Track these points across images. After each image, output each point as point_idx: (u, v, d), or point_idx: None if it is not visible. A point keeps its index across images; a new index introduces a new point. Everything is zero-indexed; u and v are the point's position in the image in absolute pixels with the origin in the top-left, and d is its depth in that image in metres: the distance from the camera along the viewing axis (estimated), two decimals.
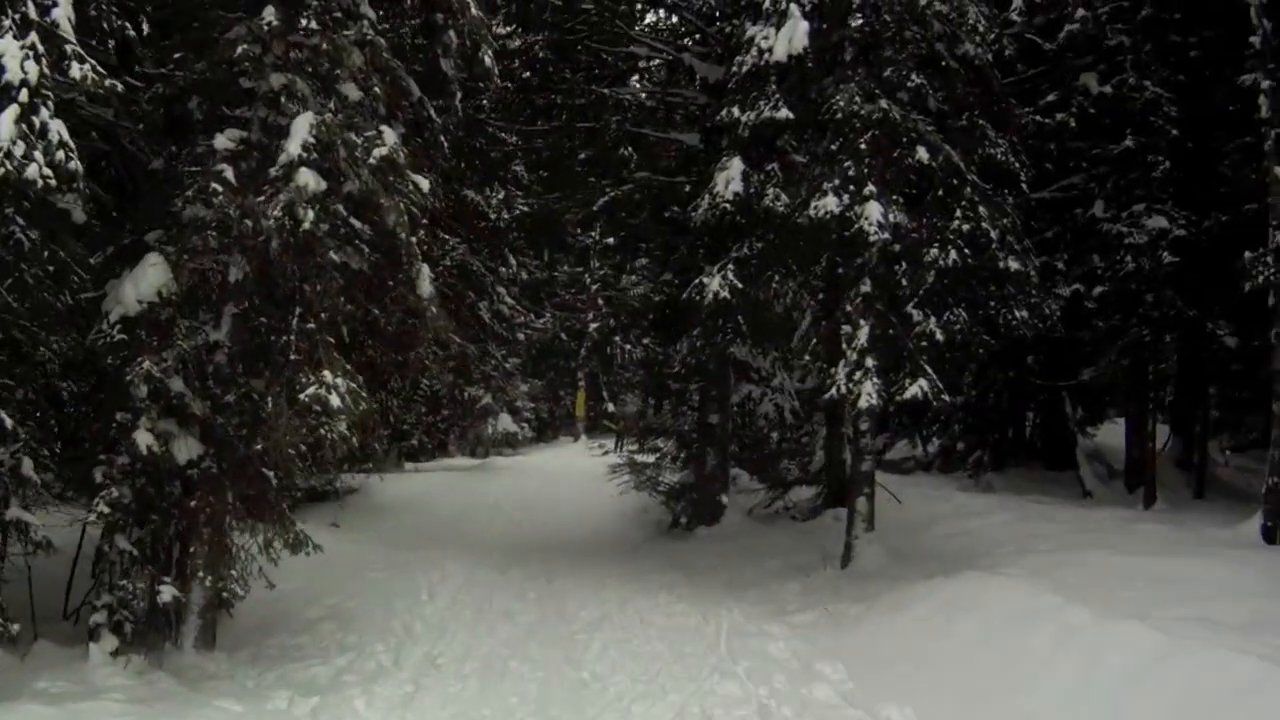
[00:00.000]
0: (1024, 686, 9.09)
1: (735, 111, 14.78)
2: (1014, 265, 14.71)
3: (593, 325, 44.19)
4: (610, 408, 44.85)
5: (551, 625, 12.92)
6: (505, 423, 37.32)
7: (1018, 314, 14.99)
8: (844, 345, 14.11)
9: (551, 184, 20.95)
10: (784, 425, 23.95)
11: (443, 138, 12.97)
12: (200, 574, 10.33)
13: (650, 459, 21.06)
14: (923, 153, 14.41)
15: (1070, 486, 22.52)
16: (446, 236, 29.27)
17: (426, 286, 11.09)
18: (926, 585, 12.56)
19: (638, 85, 21.75)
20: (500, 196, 24.63)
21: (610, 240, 26.35)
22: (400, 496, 24.11)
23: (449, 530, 20.72)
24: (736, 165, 14.95)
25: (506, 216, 25.26)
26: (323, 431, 9.80)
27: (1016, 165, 15.60)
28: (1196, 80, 19.49)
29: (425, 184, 10.87)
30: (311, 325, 9.90)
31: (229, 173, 9.74)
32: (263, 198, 9.64)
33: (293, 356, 9.83)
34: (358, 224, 10.47)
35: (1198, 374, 21.41)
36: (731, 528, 19.04)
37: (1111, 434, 25.48)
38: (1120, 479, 22.48)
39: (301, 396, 9.60)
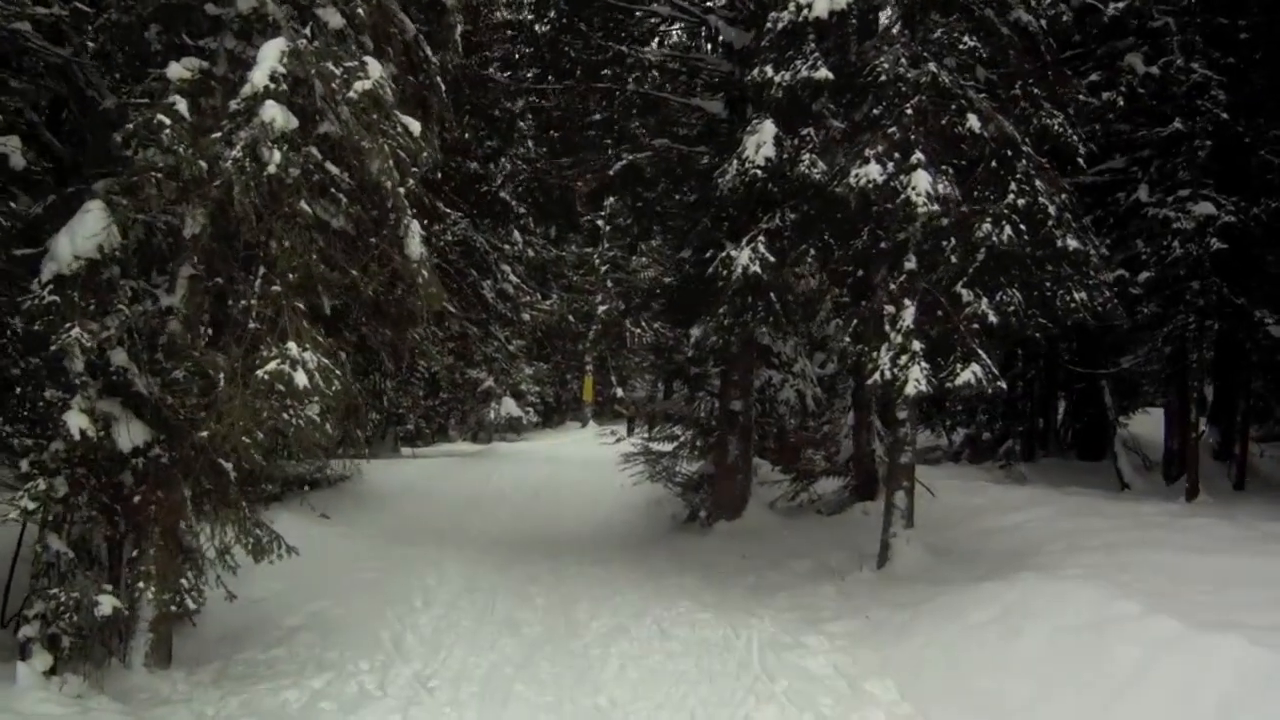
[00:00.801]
0: (1111, 711, 7.78)
1: (769, 71, 13.16)
2: (1073, 244, 13.06)
3: (601, 308, 42.46)
4: (619, 393, 43.13)
5: (560, 638, 11.26)
6: (509, 407, 35.70)
7: (1076, 296, 13.29)
8: (886, 326, 12.47)
9: (562, 148, 18.99)
10: (805, 413, 22.43)
11: (440, 80, 11.12)
12: (146, 582, 8.61)
13: (666, 447, 19.32)
14: (974, 121, 12.84)
15: (1105, 478, 21.36)
16: (448, 210, 27.75)
17: (417, 247, 9.38)
18: (978, 589, 11.20)
19: (658, 48, 19.89)
20: (506, 169, 22.84)
21: (623, 217, 24.16)
22: (396, 484, 22.43)
23: (449, 522, 19.08)
24: (769, 129, 13.29)
25: (512, 187, 23.37)
26: (286, 416, 8.05)
27: (1074, 139, 13.94)
28: (1245, 63, 18.67)
29: (416, 126, 9.17)
30: (277, 288, 8.16)
31: (182, 105, 8.00)
32: (220, 134, 7.90)
33: (252, 325, 8.09)
34: (335, 170, 8.76)
35: (1239, 363, 20.26)
36: (754, 522, 17.40)
37: (1142, 424, 24.62)
38: (1157, 470, 21.57)
39: (260, 373, 7.86)
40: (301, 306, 8.45)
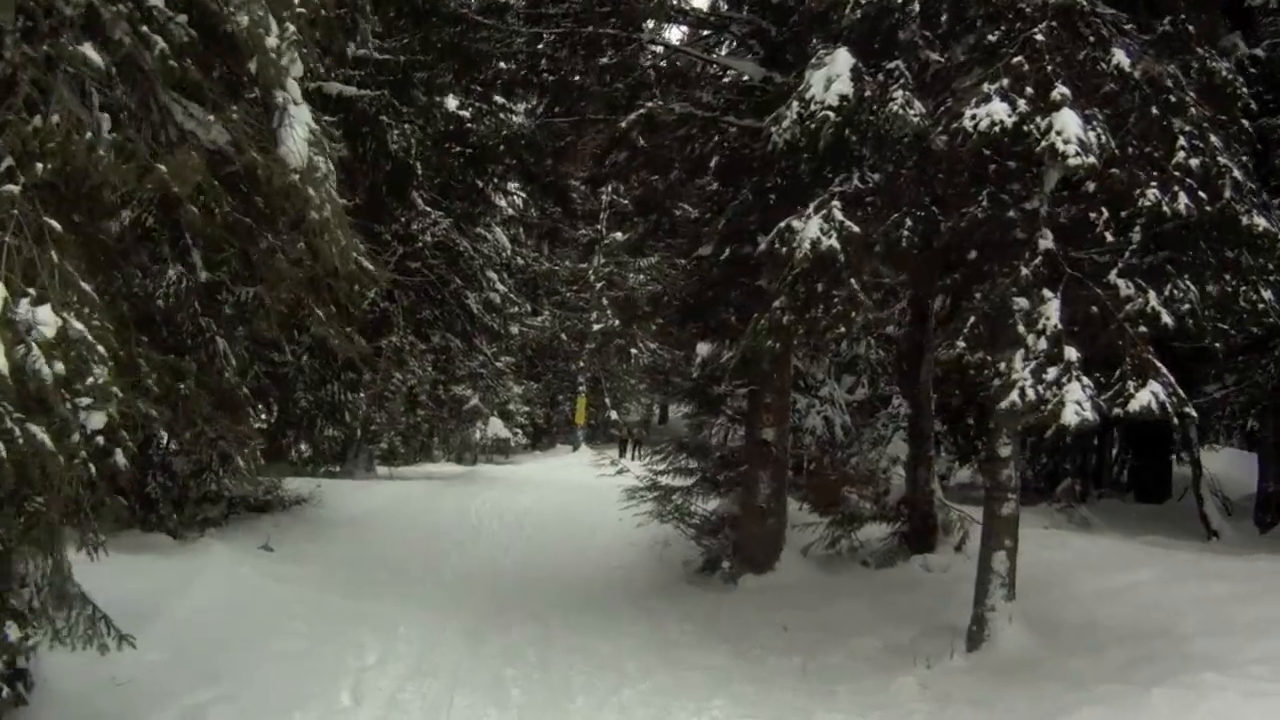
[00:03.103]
0: None
1: None
2: (1261, 223, 9.09)
3: (596, 326, 38.25)
4: (613, 415, 38.85)
5: None
6: (496, 428, 31.57)
7: (1264, 295, 9.28)
8: (1020, 326, 8.41)
9: (559, 105, 14.47)
10: (834, 443, 18.40)
11: None
12: None
13: (678, 482, 15.05)
14: (1121, 57, 9.03)
15: (1177, 523, 17.86)
16: (429, 210, 23.66)
17: (299, 147, 5.26)
18: (1145, 700, 7.63)
19: None
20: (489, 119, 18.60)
21: (632, 193, 19.52)
22: (362, 509, 18.15)
23: (414, 562, 14.84)
24: (843, 59, 9.31)
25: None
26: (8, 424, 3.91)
27: (1242, 90, 10.08)
28: None
29: None
30: (12, 187, 4.02)
31: None
32: None
33: None
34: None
35: None
36: (789, 577, 13.28)
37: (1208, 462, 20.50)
38: (1240, 515, 18.37)
39: None
40: (56, 227, 4.30)
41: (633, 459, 29.28)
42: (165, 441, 14.76)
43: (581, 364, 38.30)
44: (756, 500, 13.54)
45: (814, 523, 14.81)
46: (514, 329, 29.04)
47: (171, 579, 11.11)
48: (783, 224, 8.93)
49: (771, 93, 13.35)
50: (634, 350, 38.45)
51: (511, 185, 27.18)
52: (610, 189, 37.99)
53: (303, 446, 21.71)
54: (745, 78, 13.97)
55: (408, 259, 23.38)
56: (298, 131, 5.67)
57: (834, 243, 8.51)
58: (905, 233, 8.91)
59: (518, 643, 10.58)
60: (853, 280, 8.75)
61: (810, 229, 8.66)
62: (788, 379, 14.09)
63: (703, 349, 16.03)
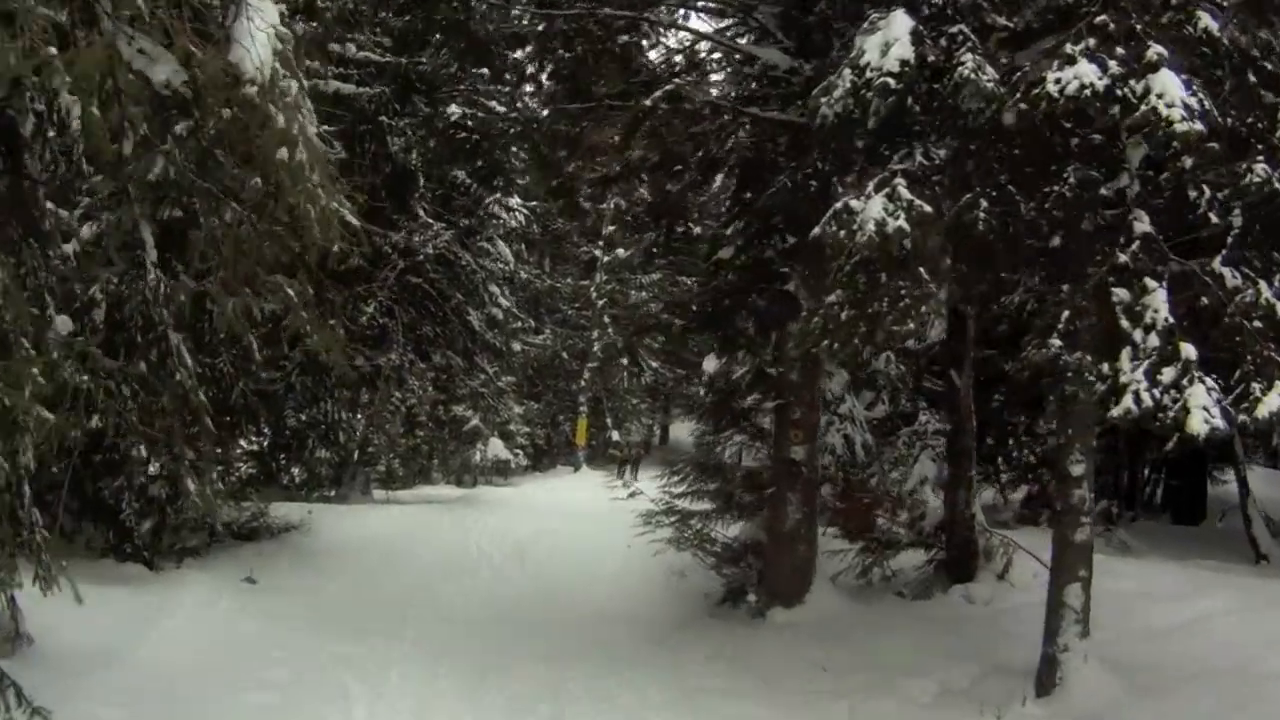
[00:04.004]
0: None
1: None
2: None
3: (597, 345, 36.75)
4: (615, 436, 37.29)
5: None
6: (496, 449, 29.89)
7: None
8: (1123, 321, 7.02)
9: (569, 91, 12.93)
10: (854, 463, 16.96)
11: None
12: None
13: (697, 505, 13.51)
14: (1207, 20, 7.73)
15: (1217, 545, 16.91)
16: (430, 221, 22.24)
17: (260, 52, 3.84)
18: None
19: None
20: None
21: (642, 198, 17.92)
22: (356, 536, 16.59)
23: (408, 596, 13.35)
24: (901, 22, 7.97)
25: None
26: None
27: None
28: None
29: None
30: None
31: None
32: None
33: None
34: None
35: None
36: (822, 610, 11.81)
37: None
38: None
39: None
40: None
41: (632, 479, 27.88)
42: (144, 461, 13.42)
43: (583, 383, 36.78)
44: (784, 525, 12.07)
45: (842, 549, 13.37)
46: (516, 346, 27.54)
47: (139, 616, 9.71)
48: (839, 204, 7.53)
49: (797, 83, 12.05)
50: (635, 369, 36.95)
51: (514, 201, 25.88)
52: (614, 204, 36.78)
53: (295, 470, 20.21)
54: (772, 67, 12.56)
55: (408, 273, 21.97)
56: (259, 36, 4.29)
57: (902, 224, 7.12)
58: (981, 214, 7.51)
59: (526, 691, 9.15)
60: (921, 269, 7.35)
61: (873, 209, 7.27)
62: (818, 392, 12.68)
63: (710, 364, 14.67)
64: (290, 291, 7.23)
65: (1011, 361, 20.59)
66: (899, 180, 7.55)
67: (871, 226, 7.18)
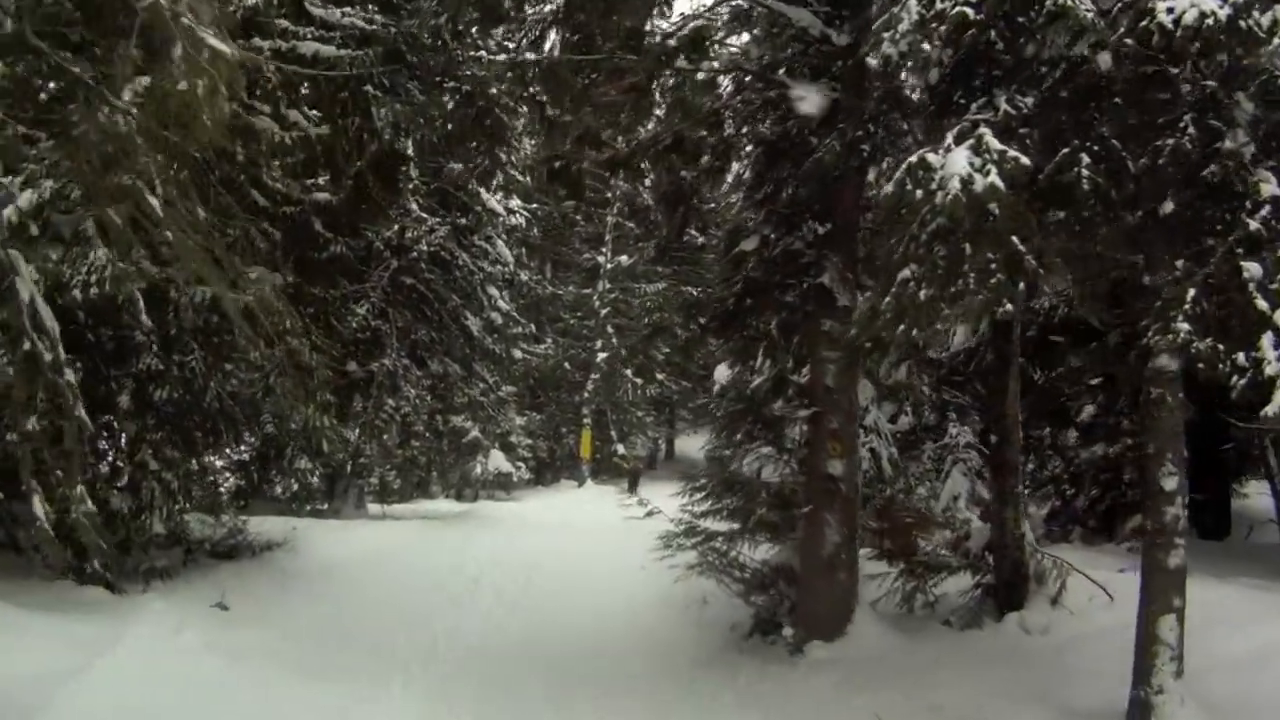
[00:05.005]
0: None
1: None
2: None
3: (601, 355, 35.19)
4: (620, 449, 35.68)
5: None
6: (498, 461, 28.44)
7: None
8: (1260, 301, 5.60)
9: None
10: (881, 478, 15.49)
11: None
12: None
13: (721, 525, 11.94)
14: None
15: (1249, 560, 15.39)
16: (425, 216, 20.79)
17: None
18: None
19: None
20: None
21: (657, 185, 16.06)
22: (346, 555, 15.05)
23: (399, 625, 11.83)
24: None
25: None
26: None
27: None
28: None
29: None
30: None
31: None
32: None
33: None
34: None
35: None
36: (866, 645, 10.27)
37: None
38: None
39: None
40: None
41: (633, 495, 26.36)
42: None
43: (586, 394, 35.21)
44: (822, 550, 10.52)
45: (879, 573, 11.86)
46: (517, 354, 26.04)
47: (79, 652, 8.17)
48: (913, 158, 6.05)
49: (830, 51, 10.65)
50: (640, 379, 35.35)
51: (514, 203, 24.47)
52: (618, 209, 35.37)
53: (280, 483, 18.71)
54: (801, 31, 11.07)
55: (402, 273, 20.52)
56: None
57: (995, 180, 5.64)
58: (1084, 172, 6.03)
59: None
60: (1014, 239, 5.87)
61: (955, 163, 5.80)
62: (856, 400, 11.20)
63: (722, 373, 13.30)
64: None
65: (1040, 368, 19.42)
66: (983, 130, 6.08)
67: (956, 184, 5.70)
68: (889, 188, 6.06)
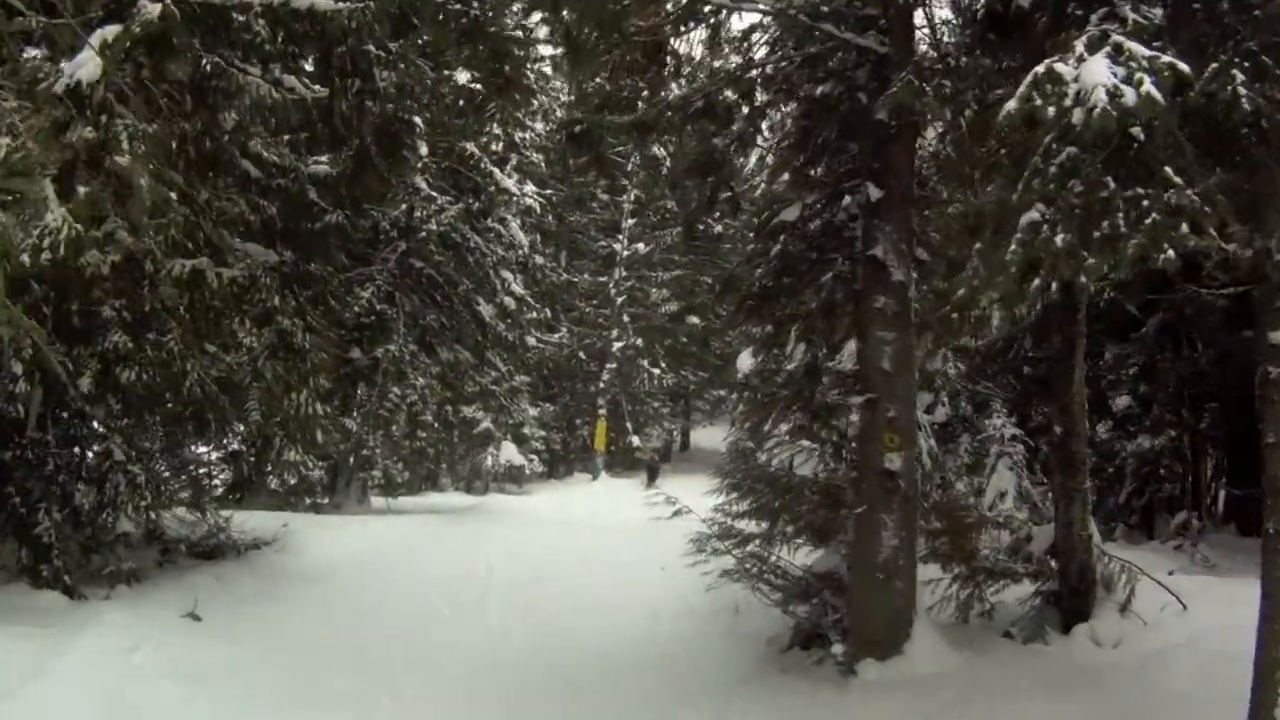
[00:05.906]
0: None
1: None
2: None
3: (616, 345, 33.79)
4: (635, 441, 34.30)
5: None
6: (509, 454, 27.05)
7: None
8: None
9: None
10: (924, 474, 14.13)
11: None
12: None
13: (756, 526, 10.55)
14: None
15: None
16: (434, 195, 19.44)
17: None
18: None
19: None
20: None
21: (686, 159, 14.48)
22: (339, 556, 13.68)
23: (396, 637, 10.48)
24: None
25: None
26: None
27: None
28: None
29: None
30: None
31: None
32: None
33: None
34: None
35: None
36: (926, 662, 8.85)
37: None
38: None
39: None
40: None
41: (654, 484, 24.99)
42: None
43: (601, 384, 33.81)
44: (877, 555, 9.08)
45: (930, 580, 10.45)
46: (530, 341, 24.67)
47: (11, 673, 6.89)
48: (1039, 69, 4.63)
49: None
50: (655, 370, 33.99)
51: (529, 187, 23.15)
52: (632, 196, 33.99)
53: (271, 475, 17.38)
54: None
55: (410, 255, 19.17)
56: None
57: (1150, 89, 4.25)
58: (1242, 90, 4.63)
59: None
60: (1167, 169, 4.49)
61: (1094, 73, 4.40)
62: (914, 384, 9.80)
63: (745, 362, 12.01)
64: None
65: None
66: (1121, 38, 4.68)
67: (1101, 94, 4.30)
68: (1011, 104, 4.64)
